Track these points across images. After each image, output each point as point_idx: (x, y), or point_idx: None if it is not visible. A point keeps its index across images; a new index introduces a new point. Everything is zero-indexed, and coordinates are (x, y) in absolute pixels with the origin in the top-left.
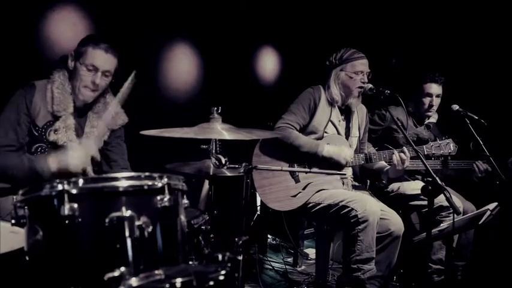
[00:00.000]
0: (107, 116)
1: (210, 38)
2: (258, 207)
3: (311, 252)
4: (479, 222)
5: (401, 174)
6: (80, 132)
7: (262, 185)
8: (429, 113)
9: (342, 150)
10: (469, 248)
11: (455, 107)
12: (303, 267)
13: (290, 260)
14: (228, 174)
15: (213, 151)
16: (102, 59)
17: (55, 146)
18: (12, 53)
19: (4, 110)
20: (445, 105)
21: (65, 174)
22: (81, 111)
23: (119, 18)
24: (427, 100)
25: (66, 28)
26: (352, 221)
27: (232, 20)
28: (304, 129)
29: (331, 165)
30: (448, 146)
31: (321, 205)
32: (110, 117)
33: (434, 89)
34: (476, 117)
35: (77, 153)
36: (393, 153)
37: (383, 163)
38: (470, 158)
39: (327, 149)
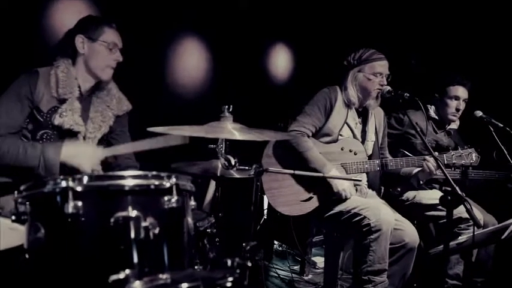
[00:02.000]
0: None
1: (222, 34)
2: (265, 211)
3: (319, 260)
4: (502, 237)
5: (430, 178)
6: (84, 117)
7: (271, 188)
8: (454, 117)
9: (344, 183)
10: (489, 263)
11: (479, 113)
12: (310, 276)
13: (297, 268)
14: (237, 176)
15: (222, 151)
16: (119, 38)
17: (60, 131)
18: (16, 41)
19: (5, 93)
20: (466, 111)
21: (71, 170)
22: (86, 96)
23: (126, 11)
24: (453, 103)
25: (72, 17)
26: (364, 229)
27: (244, 15)
28: (318, 131)
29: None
30: (470, 156)
31: (332, 211)
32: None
33: (462, 92)
34: (501, 125)
35: (90, 153)
36: (424, 159)
37: (410, 168)
38: (494, 168)
39: (332, 174)
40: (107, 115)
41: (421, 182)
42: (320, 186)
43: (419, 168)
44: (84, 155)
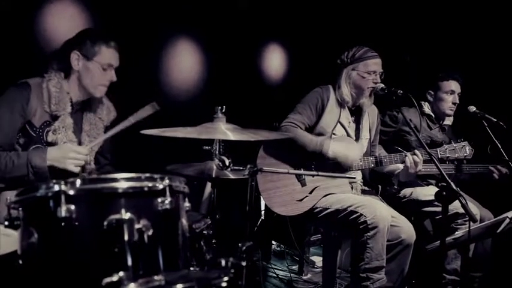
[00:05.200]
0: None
1: (215, 34)
2: (262, 212)
3: (317, 260)
4: (498, 231)
5: (412, 179)
6: (76, 130)
7: (266, 189)
8: (451, 112)
9: (349, 151)
10: (487, 258)
11: (472, 108)
12: (308, 275)
13: (295, 268)
14: (232, 176)
15: (217, 152)
16: (115, 58)
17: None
18: (7, 47)
19: None
20: (459, 107)
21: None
22: (77, 109)
23: (119, 11)
24: (449, 97)
25: (64, 22)
26: (361, 227)
27: (238, 15)
28: (311, 131)
29: (337, 164)
30: (464, 150)
31: (328, 210)
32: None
33: (456, 86)
34: (495, 120)
35: (73, 152)
36: (406, 156)
37: (394, 166)
38: (488, 162)
39: (333, 149)
40: (100, 127)
41: (402, 180)
42: (317, 182)
43: (400, 170)
44: (68, 156)
